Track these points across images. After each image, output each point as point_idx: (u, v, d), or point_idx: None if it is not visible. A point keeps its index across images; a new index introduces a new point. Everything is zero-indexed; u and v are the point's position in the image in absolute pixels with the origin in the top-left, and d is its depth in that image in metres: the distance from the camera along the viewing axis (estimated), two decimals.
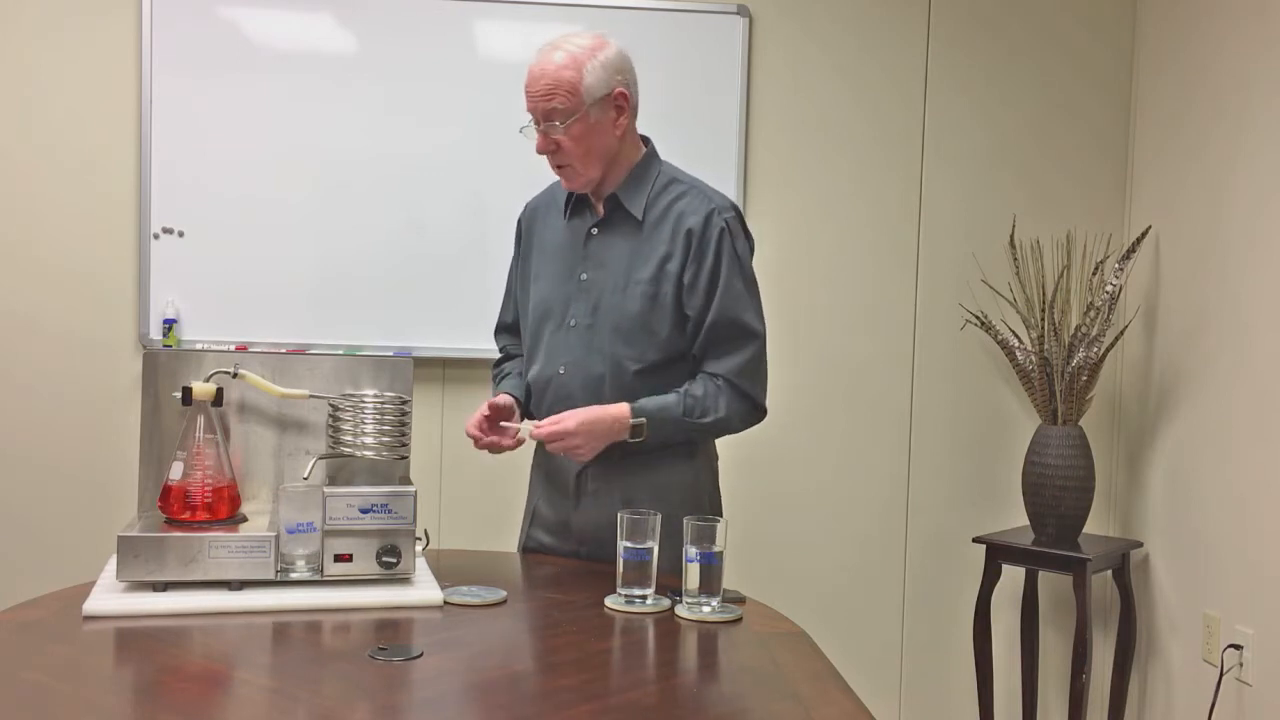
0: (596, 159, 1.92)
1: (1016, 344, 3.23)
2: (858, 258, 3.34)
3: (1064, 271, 3.22)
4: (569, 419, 1.84)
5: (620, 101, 1.91)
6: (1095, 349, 3.12)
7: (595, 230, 1.98)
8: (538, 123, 1.90)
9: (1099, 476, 3.21)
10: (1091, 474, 3.12)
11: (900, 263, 3.37)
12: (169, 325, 2.97)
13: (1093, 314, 3.12)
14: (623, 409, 1.87)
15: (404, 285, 3.09)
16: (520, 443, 1.94)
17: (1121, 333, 3.26)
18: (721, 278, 1.91)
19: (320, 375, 1.81)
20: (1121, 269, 3.19)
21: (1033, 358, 3.17)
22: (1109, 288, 3.15)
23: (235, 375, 1.76)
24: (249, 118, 3.01)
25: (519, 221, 2.13)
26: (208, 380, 1.74)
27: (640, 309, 1.92)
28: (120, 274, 3.01)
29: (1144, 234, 3.23)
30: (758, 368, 1.95)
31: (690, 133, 3.17)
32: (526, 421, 1.98)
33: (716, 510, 2.02)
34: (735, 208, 1.98)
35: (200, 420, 1.71)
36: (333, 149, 3.06)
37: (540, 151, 1.93)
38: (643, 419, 1.87)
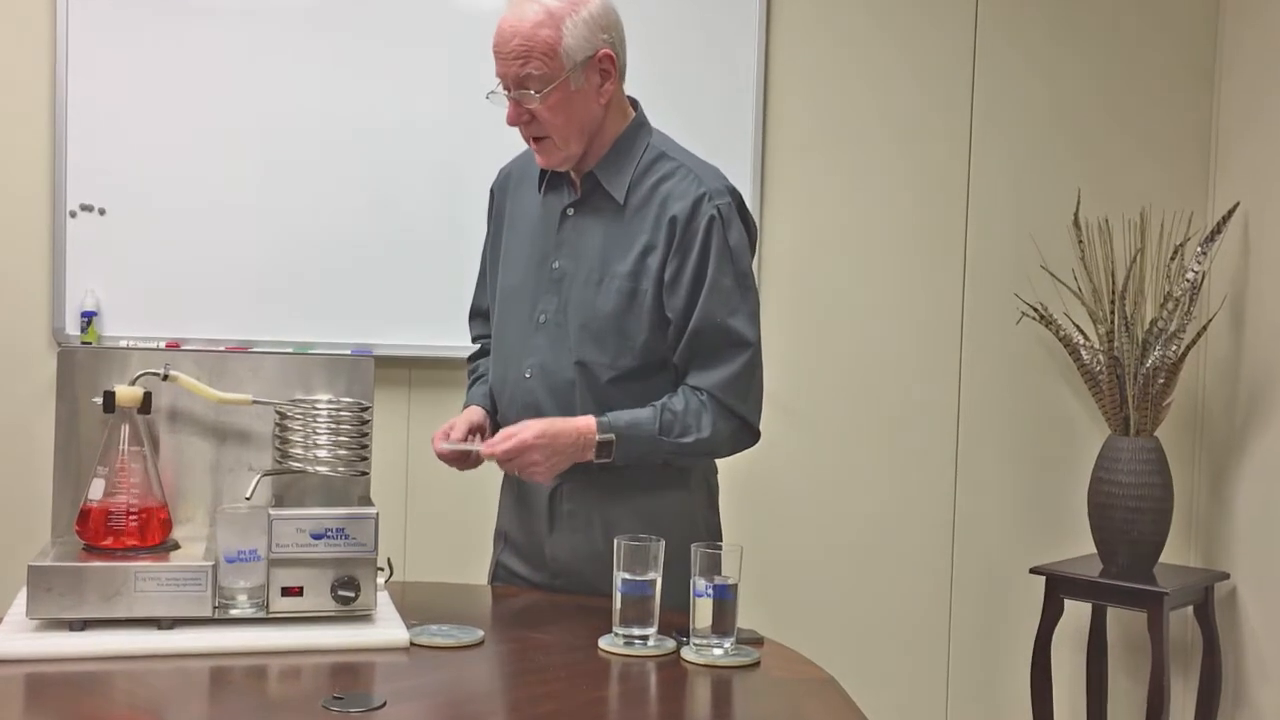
0: (577, 131, 1.90)
1: (1081, 341, 3.23)
2: (894, 242, 3.34)
3: (1137, 256, 3.22)
4: (525, 431, 1.84)
5: (606, 65, 1.89)
6: (1174, 347, 3.12)
7: (571, 211, 1.98)
8: (508, 89, 1.89)
9: (1178, 497, 3.21)
10: (1169, 494, 3.12)
11: (945, 247, 3.37)
12: (88, 319, 2.97)
13: (1171, 306, 3.12)
14: (588, 423, 1.86)
15: (364, 273, 3.09)
16: (480, 462, 1.95)
17: (1204, 328, 3.26)
18: (708, 275, 1.89)
19: (265, 377, 1.81)
20: (1204, 253, 3.19)
21: (1100, 357, 3.17)
22: (1190, 275, 3.15)
23: (166, 377, 1.76)
24: (183, 77, 3.01)
25: (491, 189, 2.14)
26: (133, 383, 1.74)
27: (614, 307, 1.91)
28: (30, 259, 3.01)
29: (1230, 212, 3.23)
30: (749, 382, 1.92)
31: (696, 96, 3.17)
32: (477, 439, 1.97)
33: (714, 536, 2.02)
34: (731, 191, 1.95)
35: (125, 430, 1.71)
36: (281, 114, 3.05)
37: (511, 123, 1.91)
38: (611, 435, 1.86)
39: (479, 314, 2.21)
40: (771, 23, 3.25)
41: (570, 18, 1.85)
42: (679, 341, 1.91)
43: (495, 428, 2.02)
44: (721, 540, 2.01)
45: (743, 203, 1.97)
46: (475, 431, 1.99)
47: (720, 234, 1.90)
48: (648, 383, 1.92)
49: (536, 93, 1.85)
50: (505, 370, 2.01)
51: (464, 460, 1.95)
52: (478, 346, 2.21)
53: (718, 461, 2.07)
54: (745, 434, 1.94)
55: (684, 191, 1.91)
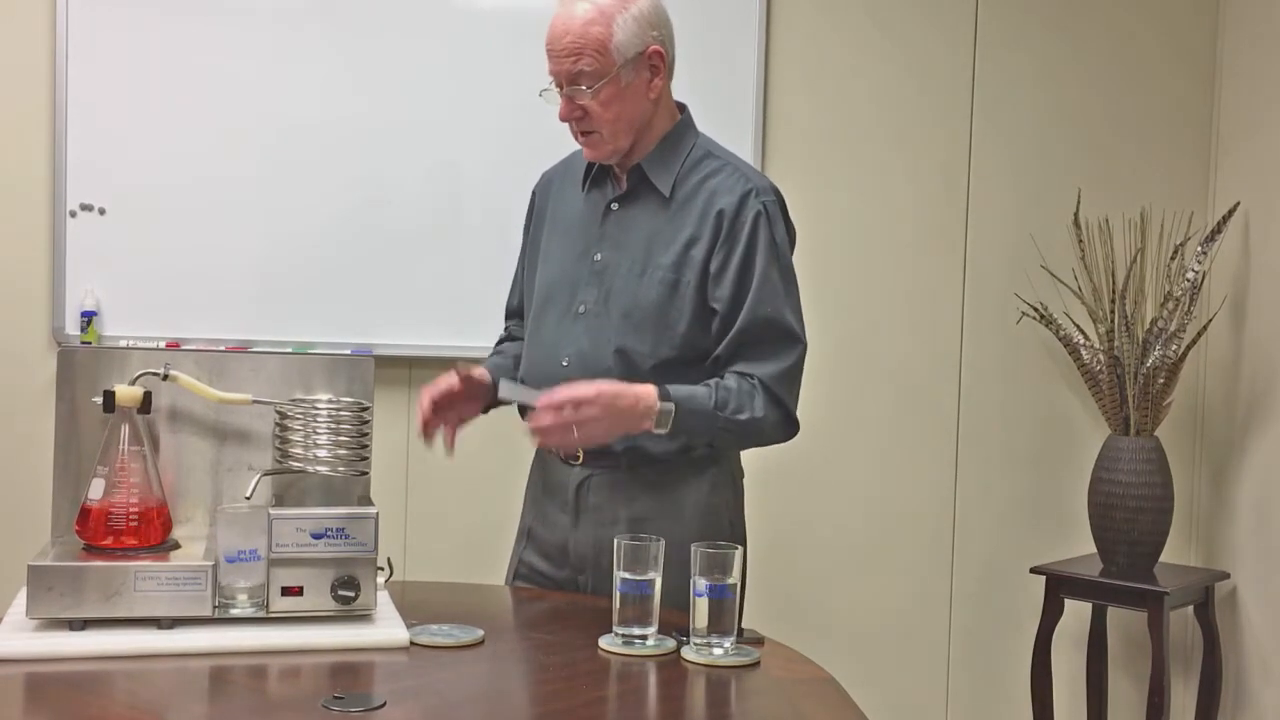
0: (627, 126, 1.94)
1: (1082, 341, 3.23)
2: (894, 241, 3.34)
3: (1138, 256, 3.22)
4: (587, 387, 1.81)
5: (655, 60, 1.93)
6: (1174, 346, 3.12)
7: (615, 205, 2.00)
8: (560, 85, 1.92)
9: (1178, 496, 3.21)
10: (1170, 493, 3.12)
11: (945, 246, 3.37)
12: (88, 319, 2.97)
13: (1171, 305, 3.12)
14: (648, 390, 1.84)
15: (364, 273, 3.09)
16: (447, 442, 1.94)
17: (1205, 328, 3.26)
18: (757, 268, 1.92)
19: (265, 377, 1.81)
20: (1205, 253, 3.18)
21: (1101, 357, 3.17)
22: (1190, 275, 3.15)
23: (166, 377, 1.76)
24: (183, 77, 3.01)
25: (533, 194, 2.16)
26: (133, 383, 1.74)
27: (657, 297, 1.93)
28: (30, 258, 3.01)
29: (1231, 212, 3.22)
30: (796, 377, 1.95)
31: (696, 96, 3.15)
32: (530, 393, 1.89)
33: (739, 536, 2.02)
34: (776, 191, 1.99)
35: (125, 430, 1.71)
36: (282, 114, 3.05)
37: (564, 119, 1.95)
38: (671, 405, 1.83)
39: (511, 313, 2.22)
40: (771, 23, 3.24)
41: (621, 14, 1.89)
42: (726, 332, 1.92)
43: (493, 394, 2.01)
44: (746, 539, 2.01)
45: (785, 203, 2.01)
46: (474, 386, 1.99)
47: (767, 229, 1.94)
48: (686, 374, 1.92)
49: (589, 88, 1.89)
50: (542, 360, 2.01)
51: (445, 432, 1.94)
52: (505, 335, 2.22)
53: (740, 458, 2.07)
54: (789, 424, 1.95)
55: (731, 187, 1.95)
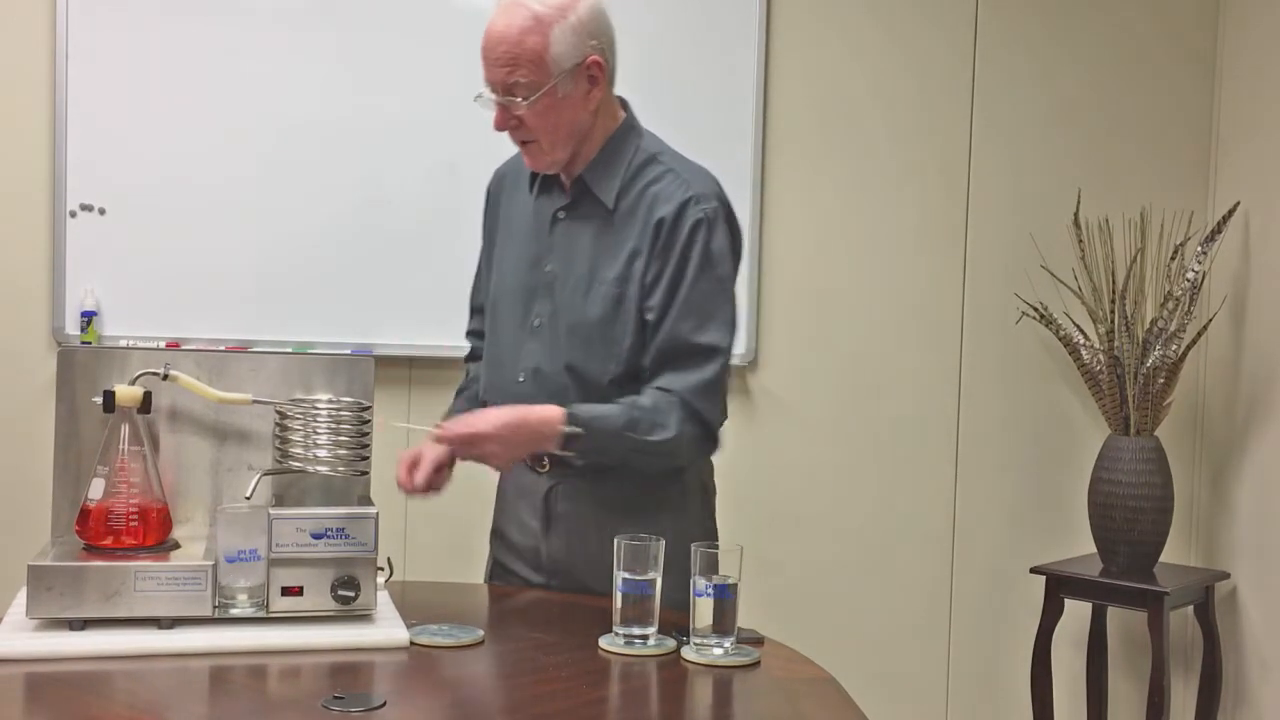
0: (565, 137, 1.90)
1: (1082, 340, 3.23)
2: (894, 241, 3.34)
3: (1138, 256, 3.22)
4: (482, 420, 1.83)
5: (594, 71, 1.89)
6: (1174, 346, 3.12)
7: (562, 214, 1.97)
8: (496, 93, 1.88)
9: (1178, 496, 3.21)
10: (1170, 493, 3.12)
11: (945, 246, 3.37)
12: (88, 318, 2.96)
13: (1171, 305, 3.12)
14: (553, 412, 1.83)
15: (364, 273, 3.09)
16: (441, 486, 1.95)
17: (1205, 327, 3.26)
18: (687, 279, 1.87)
19: (265, 377, 1.81)
20: (1205, 253, 3.18)
21: (1101, 357, 3.17)
22: (1190, 275, 3.15)
23: (165, 377, 1.76)
24: (183, 77, 3.00)
25: (487, 190, 2.14)
26: (133, 383, 1.74)
27: (602, 313, 1.90)
28: (30, 259, 3.01)
29: (1231, 212, 3.22)
30: (716, 389, 1.90)
31: (696, 96, 3.17)
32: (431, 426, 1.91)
33: (711, 536, 2.01)
34: (720, 197, 1.94)
35: (124, 429, 1.71)
36: (282, 114, 3.05)
37: (498, 128, 1.91)
38: (579, 429, 1.82)
39: (477, 310, 2.21)
40: (771, 23, 3.24)
41: (558, 24, 1.84)
42: (651, 341, 1.89)
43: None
44: (717, 538, 2.01)
45: (731, 209, 1.96)
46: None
47: (704, 238, 1.88)
48: (639, 388, 1.90)
49: (524, 100, 1.85)
50: (499, 374, 2.01)
51: (431, 476, 1.94)
52: (469, 351, 2.22)
53: (714, 461, 2.07)
54: (708, 441, 1.92)
55: (670, 194, 1.90)
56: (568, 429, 1.81)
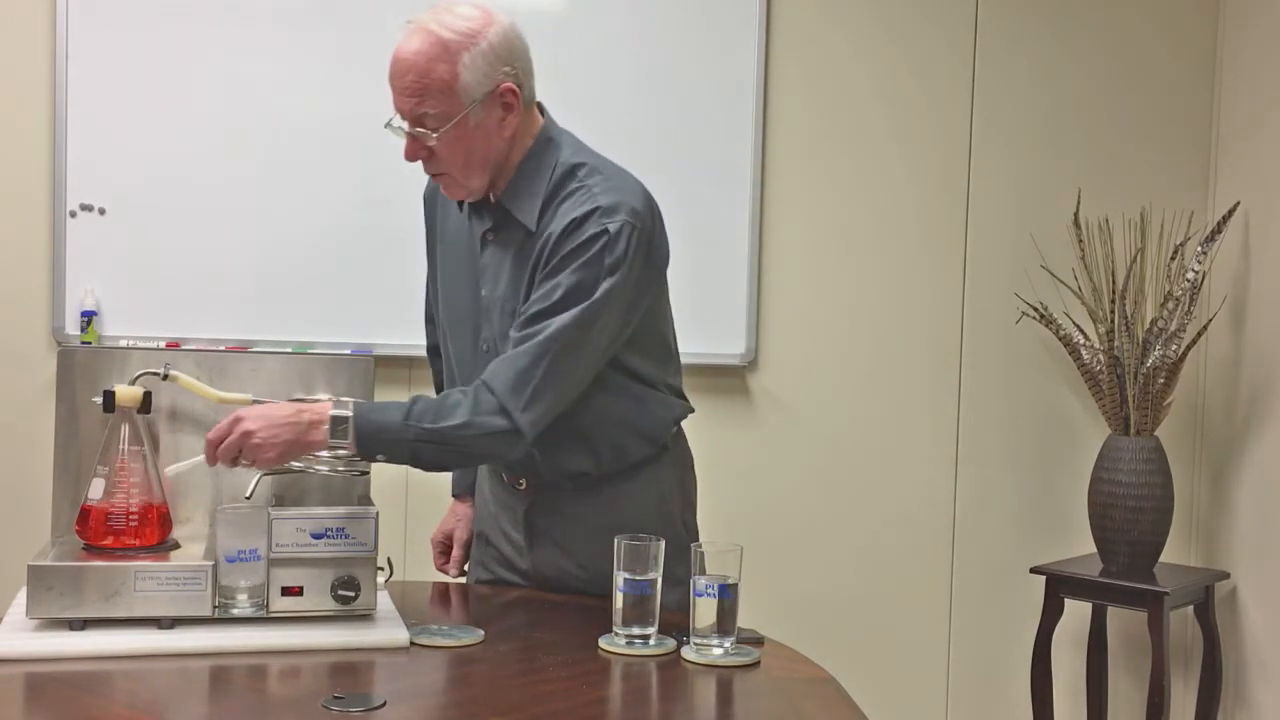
0: (479, 167, 1.82)
1: (1082, 340, 3.23)
2: (894, 242, 3.34)
3: (1138, 256, 3.22)
4: (240, 409, 1.70)
5: (508, 98, 1.80)
6: (1174, 346, 3.12)
7: (490, 235, 1.91)
8: (405, 121, 1.80)
9: (1178, 496, 3.21)
10: (1170, 493, 3.12)
11: (945, 247, 3.37)
12: (88, 318, 2.96)
13: (1171, 305, 3.12)
14: (322, 404, 1.72)
15: (364, 273, 3.09)
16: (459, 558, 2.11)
17: (1205, 327, 3.26)
18: (560, 273, 1.75)
19: (265, 377, 1.81)
20: (1205, 253, 3.18)
21: (1101, 357, 3.17)
22: (1190, 275, 3.15)
23: (166, 377, 1.76)
24: (183, 77, 3.00)
25: (424, 196, 2.09)
26: (133, 382, 1.74)
27: None
28: (30, 259, 3.01)
29: (1231, 211, 3.22)
30: (529, 381, 1.73)
31: (696, 96, 3.17)
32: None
33: (693, 537, 2.00)
34: (633, 211, 1.79)
35: (124, 429, 1.71)
36: (281, 114, 3.05)
37: (409, 158, 1.82)
38: (346, 414, 1.68)
39: (430, 320, 2.21)
40: (771, 23, 3.24)
41: (468, 52, 1.76)
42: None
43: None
44: (698, 537, 2.01)
45: (649, 223, 1.83)
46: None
47: (598, 250, 1.76)
48: (589, 404, 1.85)
49: (434, 131, 1.78)
50: None
51: (461, 557, 2.13)
52: (434, 368, 2.24)
53: (698, 464, 2.07)
54: (510, 435, 1.74)
55: (570, 210, 1.79)
56: (336, 412, 1.69)
